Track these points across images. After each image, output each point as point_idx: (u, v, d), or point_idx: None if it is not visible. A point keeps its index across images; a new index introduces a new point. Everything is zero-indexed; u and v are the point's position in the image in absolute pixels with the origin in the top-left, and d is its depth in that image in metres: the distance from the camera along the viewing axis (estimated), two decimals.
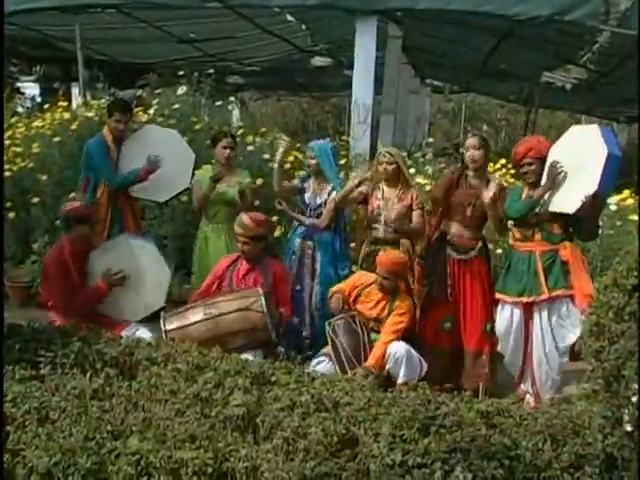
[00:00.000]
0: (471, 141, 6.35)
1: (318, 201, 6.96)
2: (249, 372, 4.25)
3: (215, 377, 4.10)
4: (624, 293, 3.56)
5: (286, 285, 6.54)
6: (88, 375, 4.01)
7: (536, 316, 6.00)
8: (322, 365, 5.95)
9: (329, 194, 6.94)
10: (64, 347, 4.35)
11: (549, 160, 5.81)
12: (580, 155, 5.61)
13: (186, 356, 4.47)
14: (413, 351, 6.03)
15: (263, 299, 5.91)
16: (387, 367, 5.91)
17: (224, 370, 4.26)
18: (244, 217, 6.40)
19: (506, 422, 3.94)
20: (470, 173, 6.37)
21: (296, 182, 7.19)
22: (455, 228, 6.40)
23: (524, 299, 6.00)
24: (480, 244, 6.42)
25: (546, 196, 5.79)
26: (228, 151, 7.04)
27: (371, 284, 6.26)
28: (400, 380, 5.87)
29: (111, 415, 3.60)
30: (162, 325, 5.86)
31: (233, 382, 4.04)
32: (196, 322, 5.86)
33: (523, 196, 6.01)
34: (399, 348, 5.96)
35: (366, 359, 5.91)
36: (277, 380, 4.27)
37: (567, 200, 5.68)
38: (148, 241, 6.75)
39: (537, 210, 5.85)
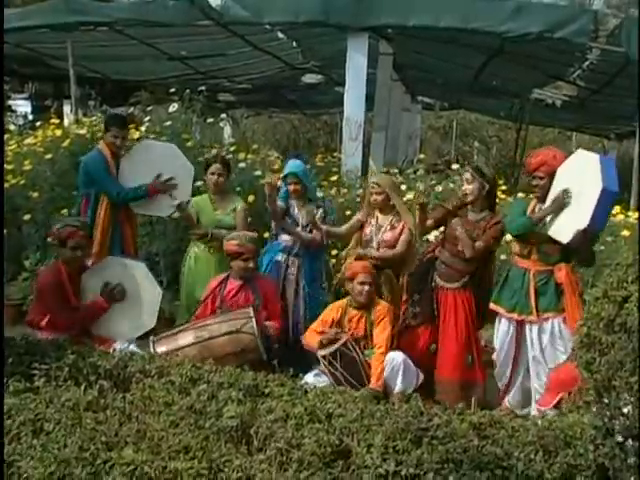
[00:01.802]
0: (464, 174, 6.36)
1: (307, 220, 6.99)
2: (242, 384, 4.28)
3: (209, 389, 4.13)
4: (614, 305, 3.60)
5: (276, 301, 6.58)
6: (82, 387, 4.03)
7: (527, 334, 6.04)
8: (322, 379, 5.95)
9: (317, 211, 6.96)
10: (58, 360, 4.37)
11: (555, 180, 5.86)
12: (580, 183, 5.63)
13: (179, 369, 4.50)
14: (409, 361, 6.06)
15: (254, 321, 5.94)
16: (384, 375, 5.91)
17: (217, 382, 4.29)
18: (247, 233, 6.49)
19: (498, 433, 3.96)
20: (470, 207, 6.33)
21: (280, 204, 7.13)
22: (445, 256, 6.39)
23: (515, 316, 6.05)
24: (467, 278, 6.35)
25: (547, 218, 5.85)
26: (216, 177, 7.09)
27: (345, 309, 6.29)
28: (397, 389, 5.90)
29: (105, 427, 3.62)
30: (152, 349, 5.85)
31: (226, 394, 4.06)
32: (186, 345, 5.88)
33: (529, 209, 6.06)
34: (396, 357, 6.00)
35: (368, 376, 5.90)
36: (270, 392, 4.31)
37: (562, 228, 5.73)
38: (138, 261, 6.78)
39: (537, 229, 5.90)
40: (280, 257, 6.96)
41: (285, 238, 6.96)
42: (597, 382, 3.59)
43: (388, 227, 6.66)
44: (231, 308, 6.31)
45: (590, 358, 3.63)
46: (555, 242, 5.81)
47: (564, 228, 5.71)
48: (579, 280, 6.16)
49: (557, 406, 5.26)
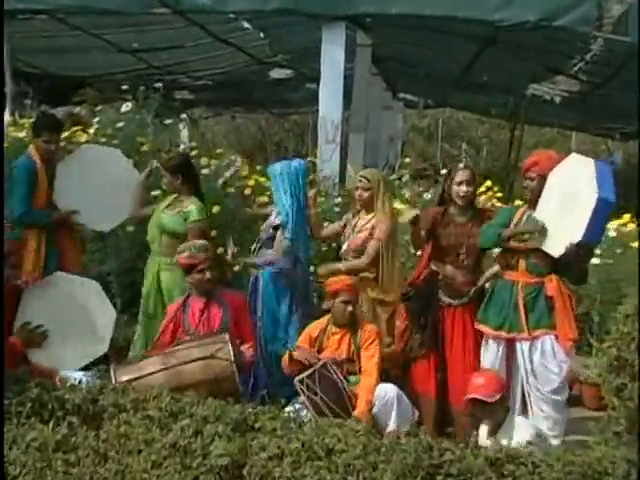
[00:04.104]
0: (463, 175, 6.35)
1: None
2: (230, 418, 4.28)
3: (192, 424, 4.12)
4: None
5: (248, 317, 6.55)
6: (50, 425, 4.03)
7: (518, 353, 6.08)
8: (304, 413, 5.90)
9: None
10: (19, 394, 4.35)
11: (546, 186, 5.92)
12: (573, 191, 5.71)
13: (157, 402, 4.49)
14: (404, 395, 6.08)
15: (230, 346, 5.94)
16: (373, 410, 5.90)
17: (201, 416, 4.29)
18: (197, 242, 6.48)
19: (518, 470, 3.99)
20: (454, 210, 6.42)
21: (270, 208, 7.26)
22: (447, 270, 6.44)
23: (503, 333, 6.10)
24: (472, 291, 6.41)
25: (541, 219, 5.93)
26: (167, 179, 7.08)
27: (326, 327, 6.33)
28: (390, 427, 5.87)
29: (79, 469, 3.62)
30: (113, 377, 5.82)
31: (213, 429, 4.07)
32: (153, 373, 5.84)
33: (517, 216, 6.14)
34: (389, 390, 5.99)
35: (353, 407, 5.89)
36: (262, 426, 4.30)
37: (553, 241, 5.81)
38: (89, 278, 6.78)
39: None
40: (255, 272, 7.02)
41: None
42: (629, 410, 3.65)
43: (363, 229, 6.71)
44: (198, 331, 6.31)
45: (620, 384, 3.71)
46: (544, 251, 5.90)
47: (555, 241, 5.79)
48: (572, 294, 6.17)
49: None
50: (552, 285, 5.94)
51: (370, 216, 6.73)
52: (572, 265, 5.88)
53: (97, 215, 7.08)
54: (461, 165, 6.51)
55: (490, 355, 6.19)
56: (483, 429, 5.71)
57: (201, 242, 6.50)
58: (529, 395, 6.10)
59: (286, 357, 6.24)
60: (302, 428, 4.29)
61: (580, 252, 5.73)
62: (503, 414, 5.66)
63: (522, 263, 6.05)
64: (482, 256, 6.53)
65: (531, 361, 6.01)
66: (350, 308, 6.19)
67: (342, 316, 6.21)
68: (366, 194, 6.69)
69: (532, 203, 6.04)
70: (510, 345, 6.13)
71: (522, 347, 6.04)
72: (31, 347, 6.19)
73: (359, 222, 6.76)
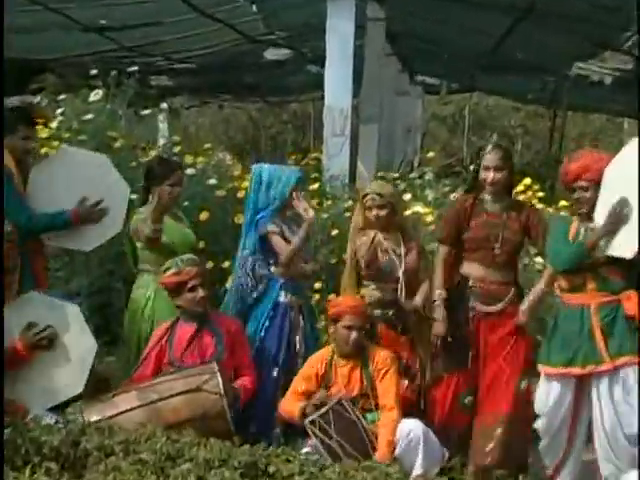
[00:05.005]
0: (491, 159, 6.27)
1: None
2: (237, 462, 4.24)
3: (194, 469, 4.09)
4: None
5: (245, 345, 6.49)
6: (27, 472, 3.99)
7: (594, 392, 5.83)
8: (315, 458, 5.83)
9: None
10: None
11: (603, 184, 5.75)
12: (637, 181, 5.58)
13: (151, 443, 4.45)
14: (431, 433, 6.01)
15: (219, 377, 5.89)
16: (397, 452, 5.83)
17: (204, 459, 4.26)
18: (183, 256, 6.42)
19: None
20: (487, 197, 6.36)
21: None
22: (476, 270, 6.36)
23: (576, 370, 5.83)
24: (513, 290, 6.34)
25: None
26: (179, 189, 6.98)
27: (331, 359, 6.28)
28: (416, 471, 5.75)
29: None
30: (80, 416, 5.76)
31: (218, 475, 4.04)
32: (128, 410, 5.80)
33: (571, 232, 5.97)
34: (414, 428, 5.92)
35: (374, 449, 5.83)
36: (276, 471, 4.27)
37: (623, 239, 5.61)
38: (70, 302, 6.72)
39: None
40: (283, 297, 6.90)
41: (279, 270, 6.89)
42: None
43: (404, 251, 6.66)
44: (185, 363, 6.25)
45: None
46: (615, 262, 5.69)
47: (626, 238, 5.60)
48: None
49: None
50: (631, 303, 5.69)
51: (398, 234, 6.69)
52: None
53: (78, 232, 6.94)
54: (489, 146, 6.44)
55: (555, 397, 5.94)
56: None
57: (188, 255, 6.43)
58: (601, 440, 5.83)
59: (288, 403, 6.19)
60: (324, 472, 4.25)
61: None
62: None
63: (591, 282, 5.84)
64: (519, 251, 6.52)
65: (612, 399, 5.77)
66: (354, 335, 6.10)
67: (346, 344, 6.14)
68: (384, 212, 6.61)
69: (587, 217, 5.83)
70: (580, 384, 5.90)
71: (599, 383, 5.79)
72: (38, 351, 6.06)
73: (386, 245, 6.69)
